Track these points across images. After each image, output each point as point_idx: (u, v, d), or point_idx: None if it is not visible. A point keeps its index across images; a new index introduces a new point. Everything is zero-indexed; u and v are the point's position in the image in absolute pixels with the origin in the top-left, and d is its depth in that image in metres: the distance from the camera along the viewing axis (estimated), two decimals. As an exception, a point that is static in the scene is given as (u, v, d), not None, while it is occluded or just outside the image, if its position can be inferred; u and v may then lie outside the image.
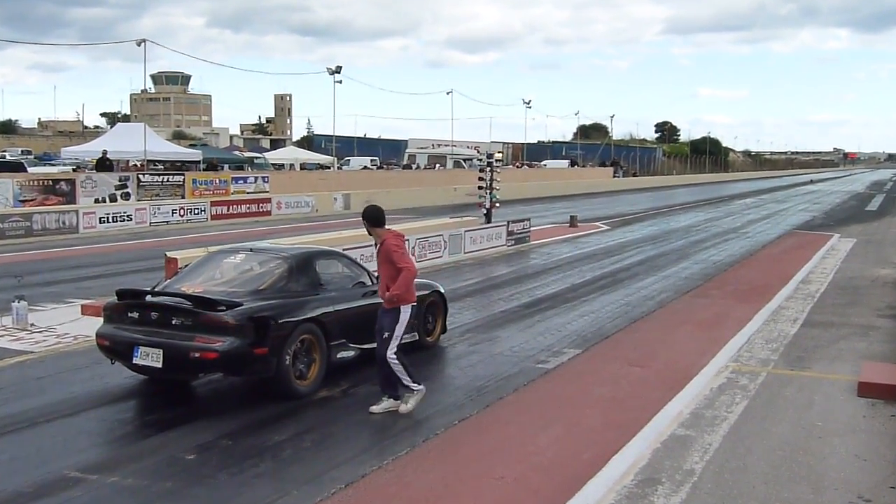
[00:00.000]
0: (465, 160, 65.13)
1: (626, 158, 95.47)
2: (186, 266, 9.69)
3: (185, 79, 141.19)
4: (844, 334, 12.25)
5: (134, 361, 8.32)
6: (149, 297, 8.63)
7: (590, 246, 24.40)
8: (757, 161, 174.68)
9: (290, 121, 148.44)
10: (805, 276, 18.20)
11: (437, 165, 64.92)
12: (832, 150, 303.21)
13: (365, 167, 60.78)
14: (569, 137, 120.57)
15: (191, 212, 31.34)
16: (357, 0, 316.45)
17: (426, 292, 10.82)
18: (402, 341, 8.26)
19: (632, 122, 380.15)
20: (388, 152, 79.36)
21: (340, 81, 50.46)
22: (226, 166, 44.94)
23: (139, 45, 36.88)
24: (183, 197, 33.08)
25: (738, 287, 16.86)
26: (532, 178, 61.07)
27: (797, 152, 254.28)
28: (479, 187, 24.87)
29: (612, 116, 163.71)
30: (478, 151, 52.74)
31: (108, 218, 28.02)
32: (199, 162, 43.85)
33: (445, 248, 20.17)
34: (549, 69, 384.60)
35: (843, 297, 15.67)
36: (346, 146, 73.86)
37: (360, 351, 9.32)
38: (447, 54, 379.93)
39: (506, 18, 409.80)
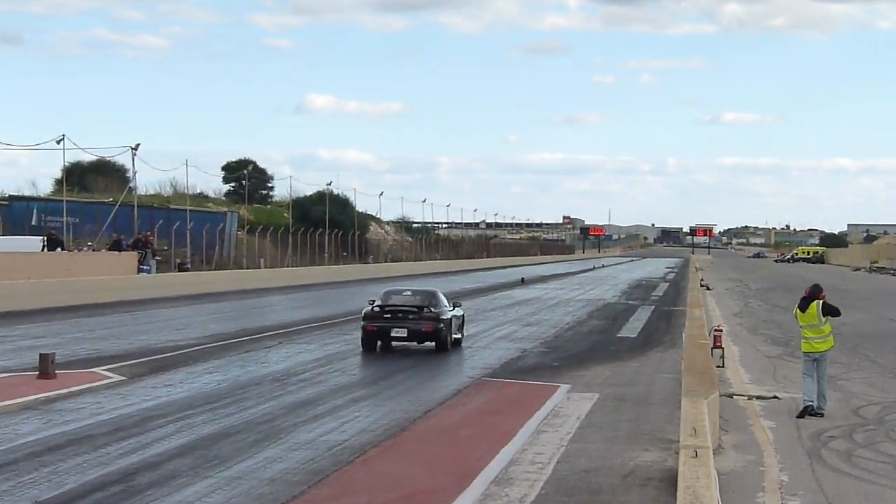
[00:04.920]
0: None
1: (167, 233, 57.97)
2: (383, 292, 25.36)
3: None
4: None
5: (392, 334, 23.29)
6: (391, 307, 24.16)
7: (79, 420, 15.64)
8: (423, 241, 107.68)
9: None
10: (502, 471, 12.85)
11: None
12: (563, 220, 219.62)
13: None
14: (46, 189, 73.26)
15: None
16: None
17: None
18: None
19: (177, 157, 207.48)
20: None
21: None
22: None
23: None
24: None
25: (372, 499, 11.76)
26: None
27: (495, 224, 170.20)
28: None
29: (136, 147, 66.89)
30: None
31: None
32: None
33: None
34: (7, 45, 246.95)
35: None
36: None
37: (455, 340, 24.59)
38: None
39: None
